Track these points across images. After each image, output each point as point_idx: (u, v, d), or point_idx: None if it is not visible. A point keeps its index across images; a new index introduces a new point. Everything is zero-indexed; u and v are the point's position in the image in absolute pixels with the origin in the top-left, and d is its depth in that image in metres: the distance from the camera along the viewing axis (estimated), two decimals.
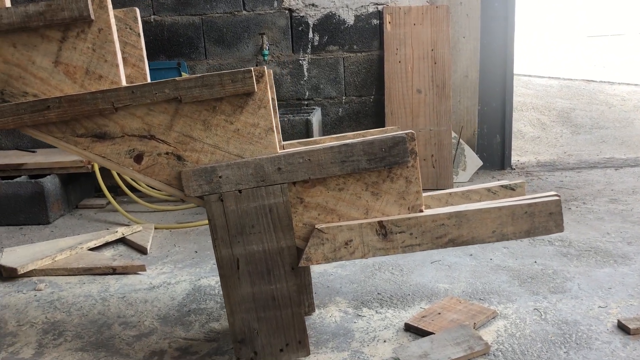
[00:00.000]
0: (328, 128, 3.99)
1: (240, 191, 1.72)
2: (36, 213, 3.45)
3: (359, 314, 2.12)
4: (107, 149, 1.72)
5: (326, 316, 2.12)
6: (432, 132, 3.73)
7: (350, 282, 2.39)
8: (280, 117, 3.52)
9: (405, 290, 2.29)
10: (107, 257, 2.79)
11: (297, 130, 3.36)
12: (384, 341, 1.92)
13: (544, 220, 1.73)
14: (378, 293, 2.28)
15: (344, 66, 3.90)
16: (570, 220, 3.03)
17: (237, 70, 1.65)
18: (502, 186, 2.04)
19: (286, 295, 1.79)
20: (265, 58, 3.80)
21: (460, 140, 3.91)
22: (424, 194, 2.03)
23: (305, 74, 3.90)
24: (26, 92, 1.68)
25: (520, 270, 2.41)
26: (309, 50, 3.86)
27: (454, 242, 1.74)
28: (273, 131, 1.71)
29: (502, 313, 2.06)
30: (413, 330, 1.97)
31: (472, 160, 3.92)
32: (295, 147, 2.01)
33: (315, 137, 2.04)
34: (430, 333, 1.91)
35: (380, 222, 1.73)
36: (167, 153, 1.72)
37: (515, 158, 4.61)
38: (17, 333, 2.14)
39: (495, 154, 4.14)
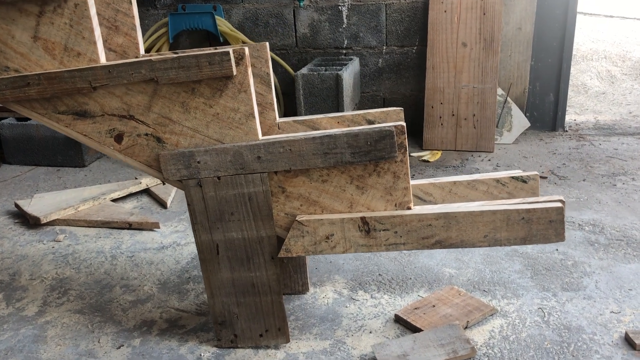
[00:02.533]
0: (367, 80, 3.81)
1: (219, 178, 1.66)
2: (72, 156, 3.55)
3: (353, 297, 2.07)
4: (88, 127, 1.68)
5: (319, 297, 2.08)
6: (476, 90, 3.48)
7: (354, 259, 2.32)
8: (311, 71, 3.38)
9: (408, 273, 2.21)
10: (127, 210, 2.84)
11: (326, 85, 3.22)
12: (370, 332, 1.87)
13: (542, 228, 1.58)
14: (379, 274, 2.21)
15: (386, 13, 3.65)
16: (611, 199, 2.79)
17: (214, 52, 1.54)
18: (512, 177, 1.87)
19: (266, 283, 1.75)
20: (302, 3, 3.61)
21: (508, 98, 3.63)
22: (431, 180, 1.90)
23: (345, 21, 3.69)
24: (7, 67, 1.66)
25: (538, 258, 2.26)
26: None
27: (441, 244, 1.63)
28: (254, 117, 1.62)
29: (502, 310, 1.94)
30: (402, 323, 1.90)
31: (519, 121, 3.65)
32: (292, 125, 1.90)
33: (314, 116, 1.92)
34: (418, 329, 1.84)
35: (362, 218, 1.63)
36: (146, 134, 1.67)
37: (572, 117, 4.27)
38: (27, 288, 2.24)
39: (547, 113, 3.83)
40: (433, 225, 1.62)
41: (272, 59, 3.77)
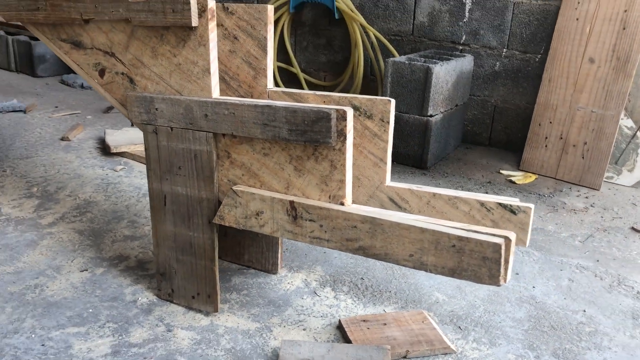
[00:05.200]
0: (479, 82, 3.47)
1: (171, 128, 1.64)
2: None
3: (317, 291, 1.93)
4: (81, 57, 1.78)
5: (285, 281, 1.97)
6: (594, 115, 2.97)
7: (349, 256, 2.16)
8: (410, 60, 3.18)
9: (393, 285, 1.99)
10: None
11: (415, 77, 3.00)
12: (304, 329, 1.73)
13: (475, 263, 1.31)
14: (362, 278, 2.03)
15: (512, 13, 3.27)
16: None
17: (178, 0, 1.52)
18: (500, 204, 1.58)
19: (201, 246, 1.71)
20: None
21: (638, 133, 3.05)
22: (412, 186, 1.68)
23: (466, 14, 3.39)
24: None
25: (552, 312, 1.88)
26: None
27: (364, 252, 1.44)
28: (209, 73, 1.57)
29: (461, 354, 1.66)
30: (341, 331, 1.72)
31: None
32: (280, 95, 1.81)
33: (303, 91, 1.79)
34: (350, 341, 1.65)
35: (291, 202, 1.51)
36: (122, 73, 1.71)
37: None
38: (60, 201, 2.47)
39: None
40: (359, 228, 1.43)
41: (381, 43, 3.62)
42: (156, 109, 1.65)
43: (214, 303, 1.75)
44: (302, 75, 4.00)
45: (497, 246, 1.27)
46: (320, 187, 1.51)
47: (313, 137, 1.44)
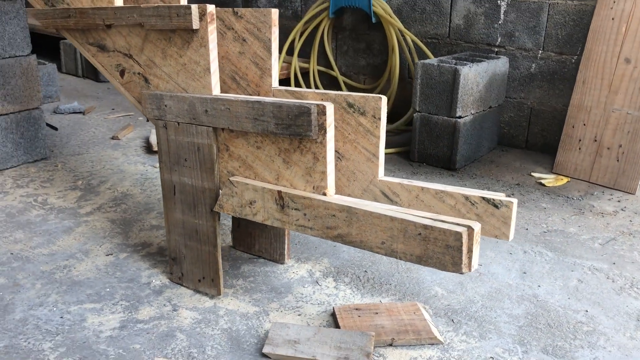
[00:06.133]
0: (515, 84, 3.44)
1: (178, 123, 1.79)
2: None
3: (319, 281, 2.02)
4: (105, 59, 1.96)
5: (290, 271, 2.07)
6: (630, 117, 2.89)
7: (357, 250, 2.23)
8: (440, 62, 3.21)
9: (395, 279, 2.05)
10: None
11: (443, 79, 3.03)
12: (299, 315, 1.82)
13: (439, 251, 1.36)
14: (365, 270, 2.10)
15: (547, 14, 3.23)
16: None
17: (180, 5, 1.66)
18: (483, 198, 1.61)
19: (205, 233, 1.84)
20: None
21: None
22: (402, 180, 1.75)
23: (502, 16, 3.37)
24: (63, 0, 2.01)
25: (552, 311, 1.88)
26: None
27: (342, 239, 1.52)
28: (209, 72, 1.70)
29: (448, 345, 1.70)
30: (334, 318, 1.80)
31: None
32: (283, 94, 1.91)
33: (304, 90, 1.88)
34: (339, 327, 1.73)
35: (279, 192, 1.61)
36: (138, 73, 1.88)
37: None
38: (100, 193, 2.69)
39: None
40: (337, 216, 1.51)
41: (418, 46, 3.66)
42: (165, 106, 1.79)
43: (217, 287, 1.88)
44: (341, 79, 4.10)
45: (458, 234, 1.32)
46: (305, 179, 1.60)
47: (296, 130, 1.54)
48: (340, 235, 1.52)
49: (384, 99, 1.74)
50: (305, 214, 1.57)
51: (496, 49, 3.45)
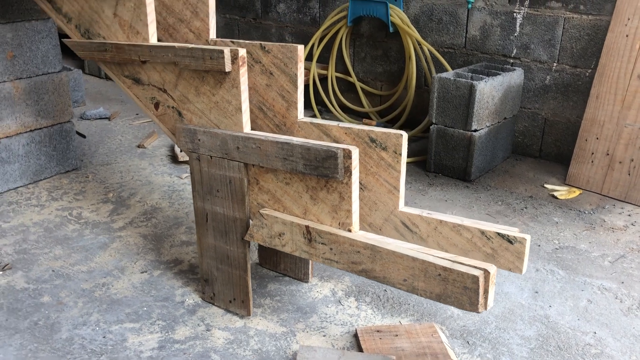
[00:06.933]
0: (530, 95, 3.52)
1: (211, 157, 1.91)
2: None
3: (342, 301, 2.14)
4: (140, 92, 2.07)
5: (314, 290, 2.20)
6: None
7: None
8: (456, 76, 3.29)
9: (413, 299, 2.17)
10: None
11: (460, 93, 3.12)
12: (324, 336, 1.95)
13: (457, 291, 1.48)
14: (385, 290, 2.21)
15: (563, 28, 3.29)
16: None
17: (214, 49, 1.77)
18: (498, 234, 1.72)
19: (236, 258, 1.97)
20: (470, 5, 3.47)
21: None
22: (423, 212, 1.85)
23: (517, 29, 3.43)
24: (99, 34, 2.12)
25: (562, 333, 1.99)
26: (526, 3, 3.36)
27: (366, 274, 1.64)
28: (241, 111, 1.81)
29: None
30: (356, 339, 1.93)
31: None
32: (309, 126, 2.02)
33: (329, 123, 1.98)
34: (362, 350, 1.86)
35: (307, 227, 1.73)
36: (172, 107, 1.99)
37: None
38: (130, 206, 2.82)
39: None
40: (361, 253, 1.63)
41: (434, 57, 3.74)
42: (199, 140, 1.91)
43: (247, 307, 2.01)
44: (358, 85, 4.19)
45: (475, 278, 1.43)
46: (332, 215, 1.71)
47: (324, 172, 1.65)
48: (364, 270, 1.64)
49: (405, 135, 1.84)
50: (331, 249, 1.69)
51: (512, 60, 3.52)
